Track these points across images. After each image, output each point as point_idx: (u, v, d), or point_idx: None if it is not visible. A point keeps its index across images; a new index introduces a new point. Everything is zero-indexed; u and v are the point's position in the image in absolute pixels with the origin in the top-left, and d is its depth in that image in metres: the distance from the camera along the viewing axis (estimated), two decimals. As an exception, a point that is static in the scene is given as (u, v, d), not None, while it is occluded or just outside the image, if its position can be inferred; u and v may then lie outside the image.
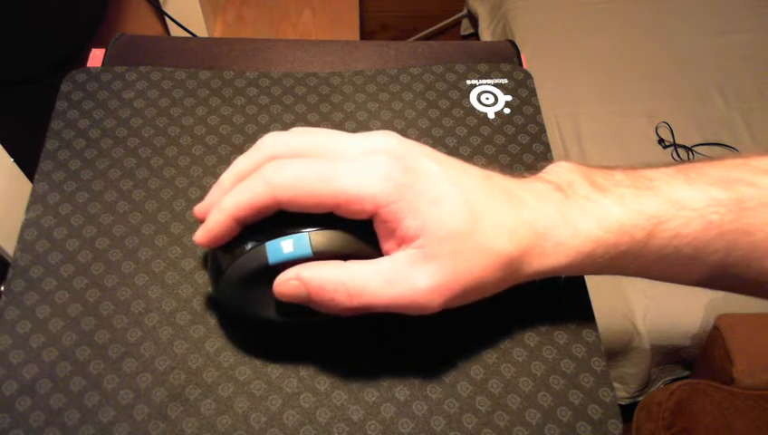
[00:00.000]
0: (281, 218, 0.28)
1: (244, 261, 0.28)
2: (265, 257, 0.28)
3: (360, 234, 0.28)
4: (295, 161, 0.28)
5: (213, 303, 0.33)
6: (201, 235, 0.29)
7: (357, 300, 0.27)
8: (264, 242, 0.28)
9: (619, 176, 0.30)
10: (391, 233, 0.27)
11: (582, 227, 0.29)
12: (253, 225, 0.29)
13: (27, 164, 0.46)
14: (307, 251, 0.28)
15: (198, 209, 0.30)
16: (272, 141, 0.30)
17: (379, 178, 0.27)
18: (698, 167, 0.30)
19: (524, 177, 0.31)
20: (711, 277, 0.30)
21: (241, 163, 0.30)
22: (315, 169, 0.27)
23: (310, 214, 0.28)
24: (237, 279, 0.29)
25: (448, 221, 0.27)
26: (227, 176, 0.30)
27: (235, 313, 0.31)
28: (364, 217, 0.27)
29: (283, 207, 0.28)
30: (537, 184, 0.30)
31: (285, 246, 0.28)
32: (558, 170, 0.31)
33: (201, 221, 0.30)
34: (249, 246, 0.28)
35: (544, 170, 0.32)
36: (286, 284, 0.28)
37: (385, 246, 0.28)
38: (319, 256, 0.28)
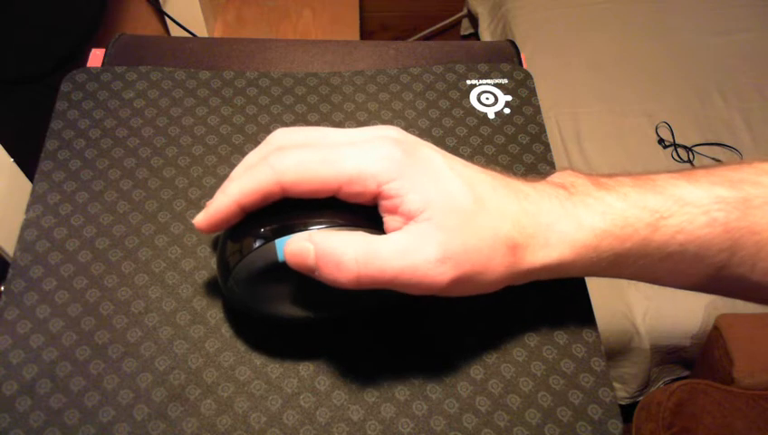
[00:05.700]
0: (288, 213, 0.29)
1: (252, 258, 0.29)
2: (275, 255, 0.28)
3: (366, 230, 0.28)
4: (299, 148, 0.28)
5: (213, 303, 0.33)
6: (202, 218, 0.29)
7: (365, 268, 0.26)
8: (272, 239, 0.28)
9: (621, 178, 0.31)
10: (395, 210, 0.27)
11: (586, 220, 0.29)
12: (260, 220, 0.29)
13: (27, 164, 0.46)
14: None
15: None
16: (280, 134, 0.30)
17: (380, 159, 0.27)
18: (703, 170, 0.30)
19: (526, 179, 0.31)
20: (716, 279, 0.30)
21: (250, 157, 0.30)
22: (318, 153, 0.28)
23: (315, 207, 0.28)
24: (246, 276, 0.29)
25: (453, 196, 0.27)
26: (238, 170, 0.30)
27: (245, 310, 0.31)
28: (368, 198, 0.28)
29: (288, 192, 0.28)
30: (540, 183, 0.31)
31: None
32: (561, 174, 0.32)
33: None
34: (257, 243, 0.28)
35: (549, 177, 0.32)
36: (297, 245, 0.27)
37: (390, 226, 0.28)
38: None
